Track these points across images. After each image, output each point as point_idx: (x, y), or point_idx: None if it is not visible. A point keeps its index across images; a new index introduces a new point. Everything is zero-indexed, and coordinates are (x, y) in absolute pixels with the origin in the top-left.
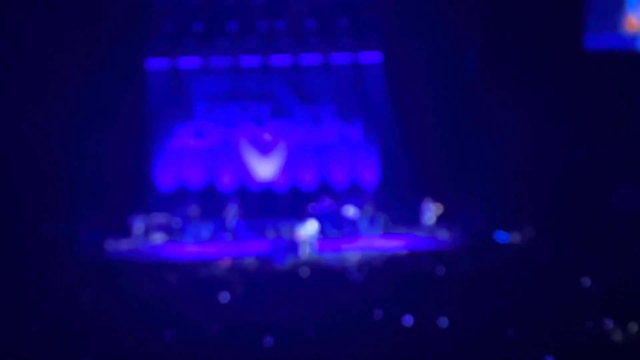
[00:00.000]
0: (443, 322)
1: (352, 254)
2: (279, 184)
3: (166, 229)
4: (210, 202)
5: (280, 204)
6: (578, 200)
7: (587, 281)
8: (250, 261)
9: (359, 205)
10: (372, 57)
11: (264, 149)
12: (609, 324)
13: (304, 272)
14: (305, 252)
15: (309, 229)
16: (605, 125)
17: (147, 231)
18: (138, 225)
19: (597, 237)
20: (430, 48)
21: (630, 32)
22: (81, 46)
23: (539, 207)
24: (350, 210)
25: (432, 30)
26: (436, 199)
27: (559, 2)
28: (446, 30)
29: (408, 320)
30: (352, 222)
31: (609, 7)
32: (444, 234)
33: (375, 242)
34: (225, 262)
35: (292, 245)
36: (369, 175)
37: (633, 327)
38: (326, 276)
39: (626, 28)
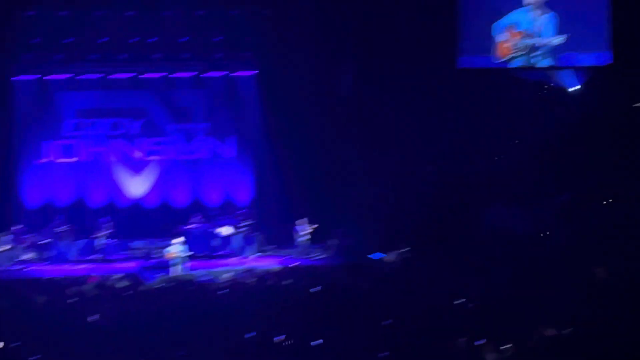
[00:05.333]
0: (317, 341)
1: (225, 272)
2: (150, 202)
3: (34, 247)
4: (80, 219)
5: (151, 222)
6: (451, 218)
7: (460, 300)
8: (119, 280)
9: (233, 223)
10: (246, 73)
11: (136, 166)
12: (482, 343)
13: (175, 291)
14: (176, 270)
15: (180, 247)
16: (477, 144)
17: (14, 250)
18: (4, 244)
19: (471, 256)
20: (305, 66)
21: (501, 58)
22: None
23: (414, 226)
24: (223, 229)
25: (307, 49)
26: (311, 218)
27: (433, 27)
28: (321, 49)
29: (282, 338)
30: (226, 241)
31: (480, 32)
32: (318, 253)
33: (248, 261)
34: (94, 281)
35: (163, 264)
36: (243, 193)
37: (505, 346)
38: (198, 295)
39: (497, 54)
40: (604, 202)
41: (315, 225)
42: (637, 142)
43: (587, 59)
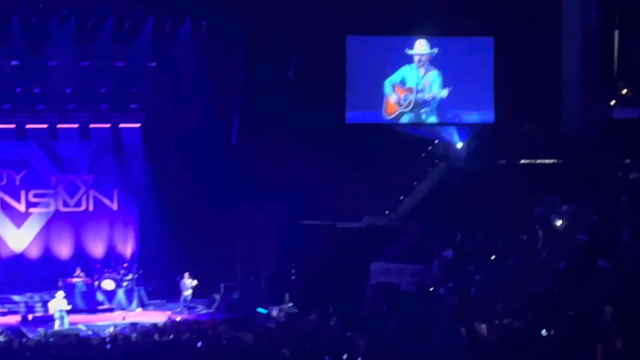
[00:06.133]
0: None
1: (107, 326)
2: (32, 254)
3: None
4: None
5: (33, 275)
6: (338, 273)
7: (345, 355)
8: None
9: (116, 277)
10: (132, 125)
11: (18, 218)
12: None
13: (56, 345)
14: (58, 324)
15: (63, 301)
16: (364, 199)
17: None
18: None
19: (356, 311)
20: (191, 118)
21: (389, 114)
22: None
23: (300, 281)
24: (106, 282)
25: (193, 102)
26: (196, 272)
27: (322, 82)
28: (208, 102)
29: None
30: (109, 294)
31: (369, 88)
32: (202, 308)
33: (131, 315)
34: None
35: (45, 318)
36: (127, 246)
37: None
38: (80, 350)
39: (386, 110)
40: (490, 258)
41: (195, 281)
42: (521, 199)
43: (471, 117)
